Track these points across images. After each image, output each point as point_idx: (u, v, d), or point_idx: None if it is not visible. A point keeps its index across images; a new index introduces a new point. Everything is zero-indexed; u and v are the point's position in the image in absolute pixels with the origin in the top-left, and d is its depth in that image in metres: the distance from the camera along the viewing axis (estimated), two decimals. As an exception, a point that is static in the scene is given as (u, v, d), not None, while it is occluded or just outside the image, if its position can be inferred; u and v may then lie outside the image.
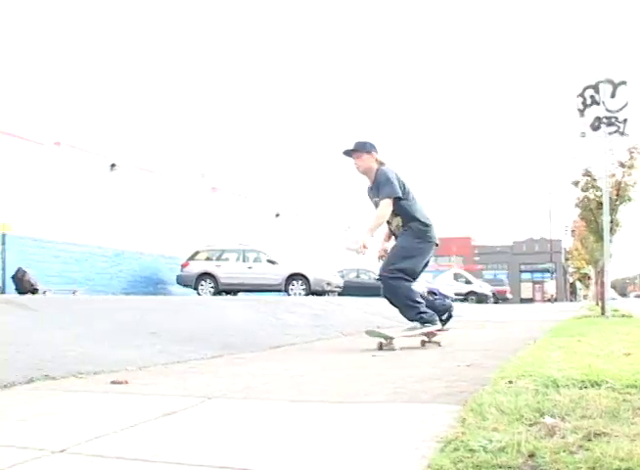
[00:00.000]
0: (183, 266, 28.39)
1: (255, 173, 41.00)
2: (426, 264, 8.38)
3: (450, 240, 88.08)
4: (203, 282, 27.82)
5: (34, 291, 19.73)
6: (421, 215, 8.11)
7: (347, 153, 8.29)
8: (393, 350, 7.57)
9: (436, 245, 8.33)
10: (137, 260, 28.59)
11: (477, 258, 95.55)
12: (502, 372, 4.68)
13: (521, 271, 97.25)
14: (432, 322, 7.96)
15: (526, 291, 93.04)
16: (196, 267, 28.11)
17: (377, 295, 27.64)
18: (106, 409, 3.88)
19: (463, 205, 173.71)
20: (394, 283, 7.93)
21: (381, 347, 7.71)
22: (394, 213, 8.02)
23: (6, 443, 3.02)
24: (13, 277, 20.76)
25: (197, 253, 28.74)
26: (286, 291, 27.13)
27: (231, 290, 27.41)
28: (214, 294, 26.81)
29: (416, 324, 7.97)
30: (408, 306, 7.98)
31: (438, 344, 8.03)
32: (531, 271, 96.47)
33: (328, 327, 10.79)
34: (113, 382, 4.85)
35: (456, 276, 52.96)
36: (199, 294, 27.29)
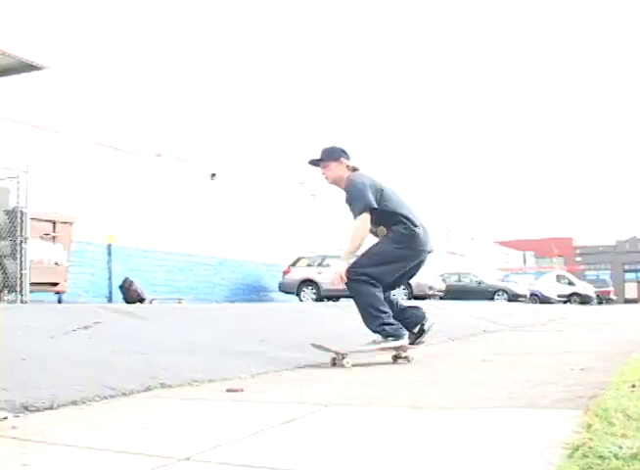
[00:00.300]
0: (285, 273, 28.60)
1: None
2: (411, 274, 7.43)
3: (551, 241, 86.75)
4: (304, 289, 27.95)
5: (141, 300, 20.08)
6: (405, 219, 7.06)
7: (314, 163, 7.47)
8: (343, 366, 6.58)
9: (429, 252, 7.27)
10: (239, 268, 28.87)
11: (578, 259, 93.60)
12: (622, 376, 4.58)
13: (624, 271, 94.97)
14: (396, 337, 6.92)
15: (631, 291, 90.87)
16: (297, 274, 28.27)
17: (479, 298, 27.36)
18: (225, 417, 3.91)
19: (564, 205, 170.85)
20: (357, 286, 6.98)
21: (334, 362, 6.75)
22: (377, 223, 7.11)
23: (132, 450, 3.06)
24: (120, 287, 21.19)
25: (298, 259, 28.91)
26: (387, 296, 27.04)
27: (332, 296, 27.48)
28: (316, 300, 26.88)
29: (377, 337, 6.96)
30: (370, 315, 6.94)
31: (407, 359, 7.04)
32: (636, 271, 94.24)
33: (434, 332, 10.69)
34: (228, 390, 4.88)
35: (559, 278, 51.97)
36: (300, 300, 27.41)
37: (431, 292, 27.70)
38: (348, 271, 6.96)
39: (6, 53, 13.68)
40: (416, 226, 7.07)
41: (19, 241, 13.18)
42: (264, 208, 30.24)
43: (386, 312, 6.94)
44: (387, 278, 7.04)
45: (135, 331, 7.33)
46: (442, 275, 34.19)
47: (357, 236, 7.00)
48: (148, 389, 4.91)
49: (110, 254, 22.97)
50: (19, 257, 13.15)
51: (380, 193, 7.09)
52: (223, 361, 6.33)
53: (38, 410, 4.06)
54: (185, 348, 6.76)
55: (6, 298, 12.94)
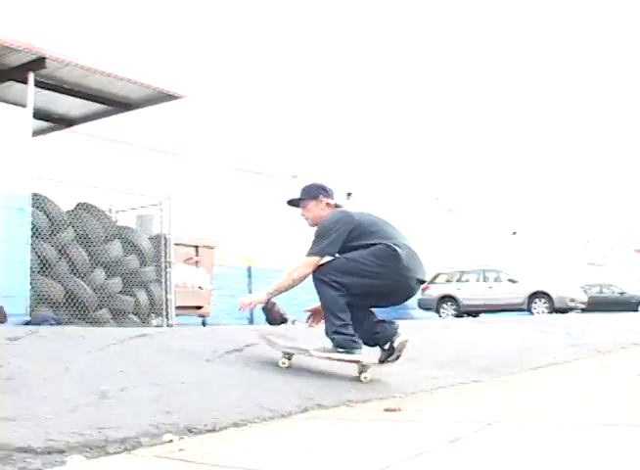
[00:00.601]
0: (424, 290, 28.43)
1: (489, 193, 40.75)
2: (392, 302, 6.74)
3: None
4: (444, 305, 27.87)
5: (284, 321, 20.24)
6: (389, 241, 6.48)
7: (293, 203, 6.97)
8: (280, 366, 6.18)
9: (418, 281, 6.67)
10: (377, 286, 28.85)
11: None
12: None
13: None
14: (347, 349, 6.16)
15: None
16: (436, 290, 28.18)
17: (622, 310, 26.45)
18: (386, 437, 3.90)
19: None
20: (319, 285, 6.37)
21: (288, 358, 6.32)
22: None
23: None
24: (263, 308, 21.39)
25: (437, 275, 28.78)
26: (528, 310, 26.64)
27: (472, 312, 27.21)
28: (456, 316, 26.71)
29: (328, 344, 6.28)
30: (327, 319, 6.32)
31: (362, 379, 6.19)
32: None
33: (582, 345, 10.45)
34: (386, 409, 4.87)
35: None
36: (440, 316, 27.28)
37: (572, 304, 27.12)
38: (317, 270, 6.38)
39: (144, 84, 14.04)
40: (399, 247, 6.49)
41: (163, 266, 13.54)
42: (400, 225, 30.20)
43: (342, 320, 6.21)
44: (351, 290, 6.25)
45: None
46: (583, 287, 33.45)
47: (292, 276, 6.40)
48: (305, 410, 4.94)
49: (250, 276, 23.35)
50: (163, 281, 13.51)
51: (358, 229, 6.55)
52: (375, 381, 6.32)
53: (201, 433, 4.13)
54: (334, 367, 6.78)
55: (153, 321, 13.27)
